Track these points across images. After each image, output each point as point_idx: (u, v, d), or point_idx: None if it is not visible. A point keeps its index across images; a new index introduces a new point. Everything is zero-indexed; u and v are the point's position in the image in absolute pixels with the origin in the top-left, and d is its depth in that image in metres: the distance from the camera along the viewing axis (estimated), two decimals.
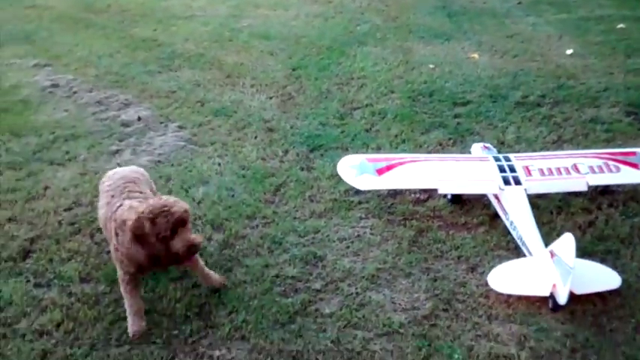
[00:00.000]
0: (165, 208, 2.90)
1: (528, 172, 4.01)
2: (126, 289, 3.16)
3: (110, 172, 3.56)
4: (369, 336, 3.14)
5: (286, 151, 5.13)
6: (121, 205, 3.17)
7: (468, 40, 7.95)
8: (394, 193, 4.45)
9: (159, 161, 4.96)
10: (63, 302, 3.37)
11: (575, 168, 4.05)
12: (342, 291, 3.48)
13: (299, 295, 3.44)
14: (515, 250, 3.71)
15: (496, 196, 3.98)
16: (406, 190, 4.46)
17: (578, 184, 3.99)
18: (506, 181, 3.94)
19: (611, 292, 3.34)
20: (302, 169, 4.85)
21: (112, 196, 3.28)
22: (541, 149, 4.95)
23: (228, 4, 10.01)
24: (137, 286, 3.20)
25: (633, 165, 4.10)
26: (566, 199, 4.27)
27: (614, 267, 3.52)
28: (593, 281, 3.30)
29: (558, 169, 4.05)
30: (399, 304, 3.37)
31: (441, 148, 5.10)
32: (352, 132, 5.45)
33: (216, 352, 3.02)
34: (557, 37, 7.93)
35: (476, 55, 7.31)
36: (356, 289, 3.49)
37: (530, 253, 3.52)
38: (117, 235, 3.08)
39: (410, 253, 3.79)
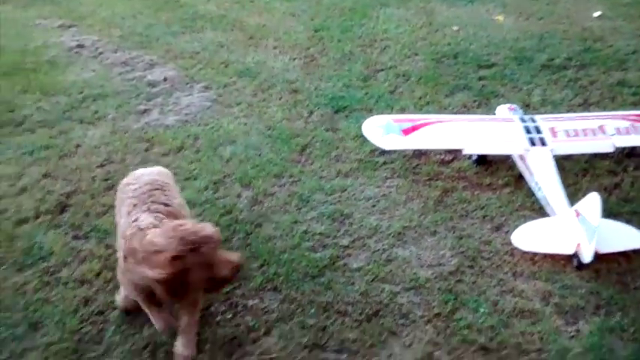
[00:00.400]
0: (204, 234, 2.42)
1: (554, 133, 4.02)
2: (141, 304, 2.79)
3: (137, 172, 3.11)
4: (397, 290, 3.24)
5: (311, 112, 5.17)
6: (135, 220, 2.69)
7: (492, 1, 7.80)
8: (419, 154, 4.50)
9: (186, 121, 5.04)
10: (101, 253, 3.51)
11: (602, 129, 4.03)
12: (369, 247, 3.57)
13: (327, 251, 3.54)
14: (540, 211, 3.77)
15: (521, 157, 4.01)
16: (431, 150, 4.50)
17: (604, 145, 3.98)
18: (532, 142, 3.96)
19: (635, 252, 3.40)
20: (327, 129, 4.90)
21: (135, 205, 2.82)
22: (567, 112, 4.95)
23: None
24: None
25: None
26: (592, 161, 4.29)
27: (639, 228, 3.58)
28: (617, 240, 3.35)
29: (584, 131, 4.04)
30: (425, 260, 3.46)
31: (465, 110, 5.12)
32: (376, 94, 5.46)
33: (250, 302, 3.14)
34: None
35: (501, 17, 7.21)
36: (383, 245, 3.59)
37: (555, 213, 3.56)
38: (125, 258, 2.65)
39: (435, 212, 3.86)
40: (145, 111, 5.22)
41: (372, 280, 3.31)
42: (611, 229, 3.36)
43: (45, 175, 4.28)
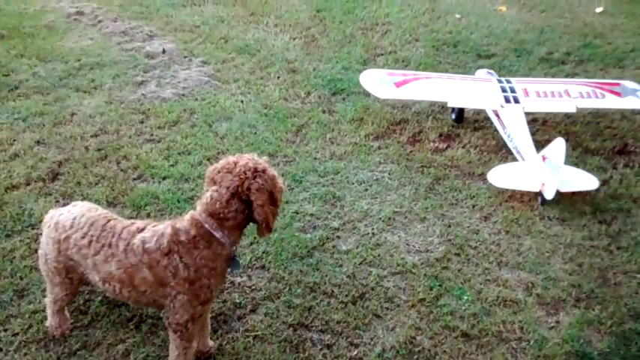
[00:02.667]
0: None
1: (526, 93, 4.48)
2: (193, 331, 2.44)
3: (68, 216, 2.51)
4: (383, 273, 3.27)
5: (308, 93, 5.17)
6: (141, 240, 2.33)
7: None
8: (413, 141, 4.52)
9: (183, 95, 5.02)
10: None
11: (567, 93, 4.51)
12: (359, 230, 3.60)
13: (317, 232, 3.56)
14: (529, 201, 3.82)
15: (496, 113, 4.46)
16: (425, 138, 4.53)
17: (568, 105, 4.44)
18: (507, 100, 4.41)
19: (619, 248, 3.46)
20: (324, 111, 4.90)
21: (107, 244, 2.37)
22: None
23: None
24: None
25: (617, 93, 4.54)
26: (583, 157, 4.33)
27: (625, 225, 3.64)
28: (576, 182, 3.84)
29: (552, 93, 4.51)
30: (413, 246, 3.50)
31: None
32: None
33: (238, 279, 3.17)
34: None
35: (503, 8, 7.20)
36: (372, 229, 3.61)
37: (523, 159, 3.94)
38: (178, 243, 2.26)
39: (426, 199, 3.89)
40: (142, 82, 5.20)
41: (360, 263, 3.34)
42: (572, 173, 3.85)
43: (38, 142, 4.27)
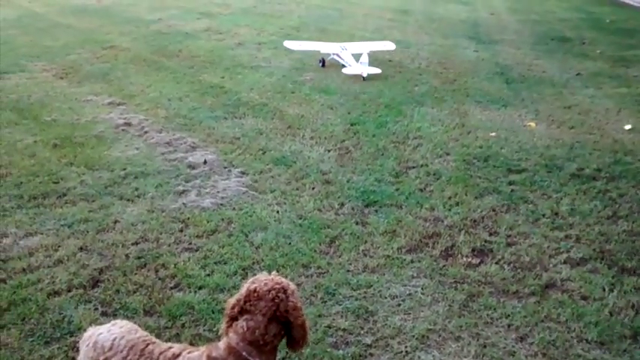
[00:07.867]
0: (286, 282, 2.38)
1: (349, 47, 9.75)
2: None
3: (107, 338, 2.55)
4: None
5: (342, 204, 5.30)
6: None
7: (524, 108, 8.06)
8: (446, 255, 4.55)
9: (222, 204, 5.21)
10: None
11: (370, 47, 9.84)
12: (392, 348, 3.56)
13: (350, 348, 3.53)
14: None
15: (338, 55, 9.62)
16: (458, 252, 4.55)
17: (366, 50, 9.41)
18: (343, 49, 9.64)
19: None
20: (357, 223, 5.00)
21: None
22: (595, 224, 4.99)
23: (292, 57, 10.47)
24: None
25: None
26: (619, 276, 4.27)
27: None
28: (372, 70, 9.07)
29: (364, 47, 9.82)
30: None
31: (494, 214, 5.18)
32: (407, 190, 5.59)
33: None
34: (616, 111, 7.97)
35: (532, 124, 7.40)
36: (405, 347, 3.57)
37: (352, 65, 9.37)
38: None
39: (460, 317, 3.85)
40: (183, 192, 5.43)
41: None
42: (371, 68, 9.05)
43: (81, 249, 4.44)
